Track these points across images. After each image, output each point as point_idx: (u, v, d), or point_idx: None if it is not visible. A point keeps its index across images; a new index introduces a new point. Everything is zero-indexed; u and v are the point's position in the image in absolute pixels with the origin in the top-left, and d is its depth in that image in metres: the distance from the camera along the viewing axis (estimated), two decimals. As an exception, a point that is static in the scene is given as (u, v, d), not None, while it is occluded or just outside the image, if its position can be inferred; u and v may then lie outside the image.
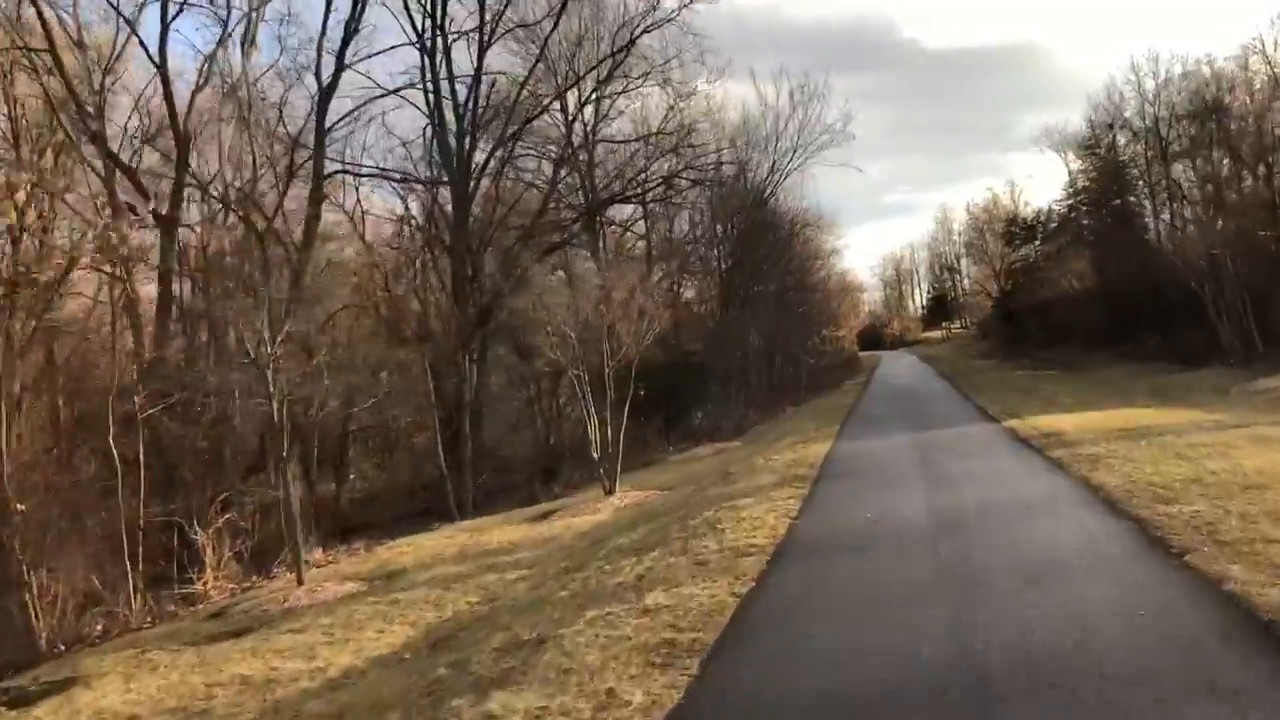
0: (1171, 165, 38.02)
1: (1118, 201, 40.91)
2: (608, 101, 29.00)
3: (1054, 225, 45.79)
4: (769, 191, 37.87)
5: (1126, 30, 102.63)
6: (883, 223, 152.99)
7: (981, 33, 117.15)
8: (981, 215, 73.89)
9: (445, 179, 25.02)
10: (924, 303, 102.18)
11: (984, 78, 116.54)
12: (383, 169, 25.77)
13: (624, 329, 15.98)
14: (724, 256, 36.15)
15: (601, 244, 32.45)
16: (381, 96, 24.89)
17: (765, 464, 14.68)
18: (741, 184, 36.57)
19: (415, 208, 26.78)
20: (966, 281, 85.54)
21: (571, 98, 28.03)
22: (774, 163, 36.94)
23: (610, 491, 15.43)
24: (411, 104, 25.78)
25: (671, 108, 29.83)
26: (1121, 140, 40.88)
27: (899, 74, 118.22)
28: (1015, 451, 12.58)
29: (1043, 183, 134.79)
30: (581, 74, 26.46)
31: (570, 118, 27.38)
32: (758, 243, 38.47)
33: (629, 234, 35.17)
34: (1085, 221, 42.47)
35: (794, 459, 14.55)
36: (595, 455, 15.76)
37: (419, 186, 25.50)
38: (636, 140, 30.15)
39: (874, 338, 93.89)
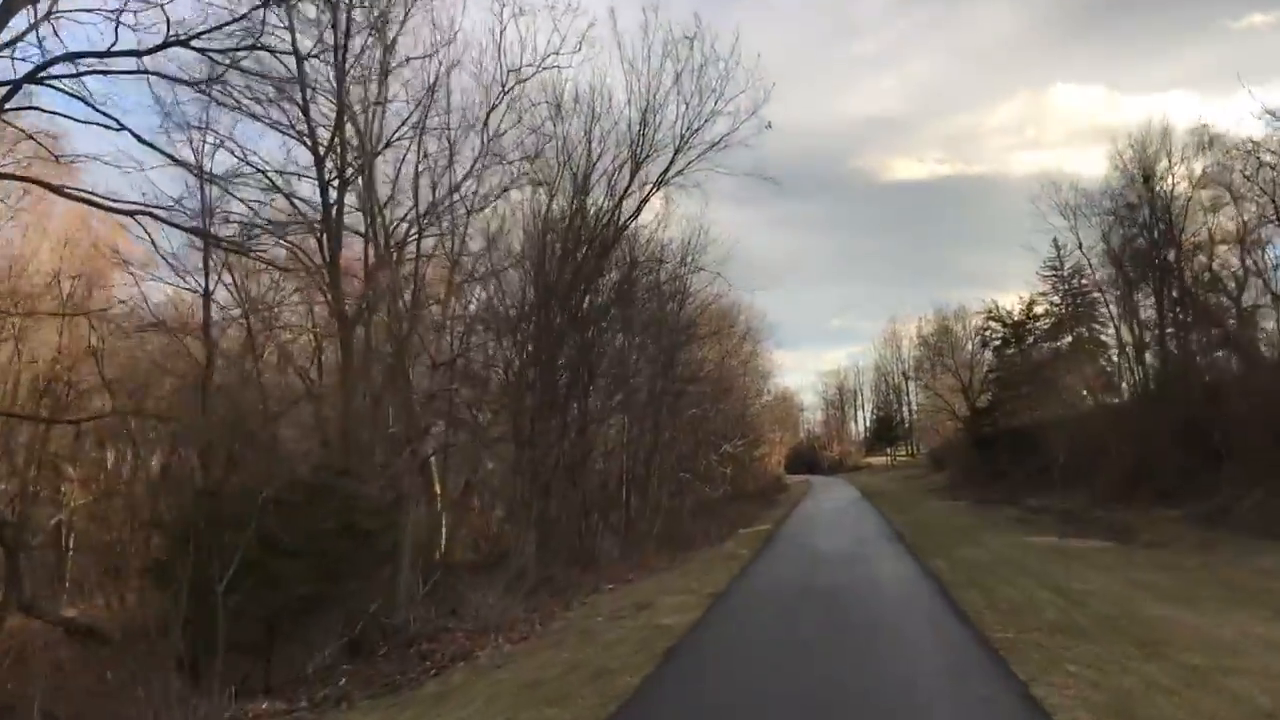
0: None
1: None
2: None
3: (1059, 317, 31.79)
4: (627, 217, 22.46)
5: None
6: (825, 348, 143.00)
7: (933, 166, 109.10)
8: (939, 331, 60.49)
9: None
10: (868, 425, 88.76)
11: (934, 211, 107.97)
12: None
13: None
14: (531, 305, 20.63)
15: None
16: None
17: None
18: (576, 193, 21.33)
19: None
20: (916, 399, 72.22)
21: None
22: (635, 157, 21.64)
23: None
24: None
25: None
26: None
27: (848, 204, 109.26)
28: None
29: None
30: None
31: None
32: (616, 292, 23.42)
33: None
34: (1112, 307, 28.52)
35: None
36: None
37: None
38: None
39: (809, 460, 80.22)
